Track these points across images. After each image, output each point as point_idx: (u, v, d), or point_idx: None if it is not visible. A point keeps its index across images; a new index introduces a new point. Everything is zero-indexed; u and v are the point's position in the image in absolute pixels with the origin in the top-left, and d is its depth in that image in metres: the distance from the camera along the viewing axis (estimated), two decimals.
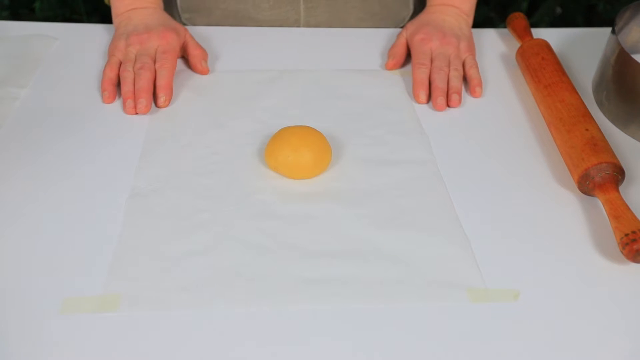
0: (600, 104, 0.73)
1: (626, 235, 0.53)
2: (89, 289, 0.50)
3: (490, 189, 0.62)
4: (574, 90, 0.69)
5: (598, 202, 0.60)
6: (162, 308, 0.50)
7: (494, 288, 0.52)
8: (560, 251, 0.56)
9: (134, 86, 0.69)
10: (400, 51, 0.78)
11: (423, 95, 0.72)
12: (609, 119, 0.71)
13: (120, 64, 0.72)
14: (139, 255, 0.53)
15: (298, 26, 0.86)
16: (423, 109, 0.72)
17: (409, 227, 0.57)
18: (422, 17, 0.81)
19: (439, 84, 0.72)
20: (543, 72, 0.72)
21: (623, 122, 0.70)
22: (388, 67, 0.78)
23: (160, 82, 0.69)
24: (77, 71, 0.74)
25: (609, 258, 0.56)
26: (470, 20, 0.82)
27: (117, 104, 0.70)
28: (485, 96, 0.75)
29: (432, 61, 0.75)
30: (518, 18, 0.83)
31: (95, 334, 0.48)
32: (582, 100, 0.68)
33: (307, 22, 0.86)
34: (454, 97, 0.71)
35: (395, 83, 0.76)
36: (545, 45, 0.76)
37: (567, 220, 0.59)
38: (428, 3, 0.83)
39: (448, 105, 0.72)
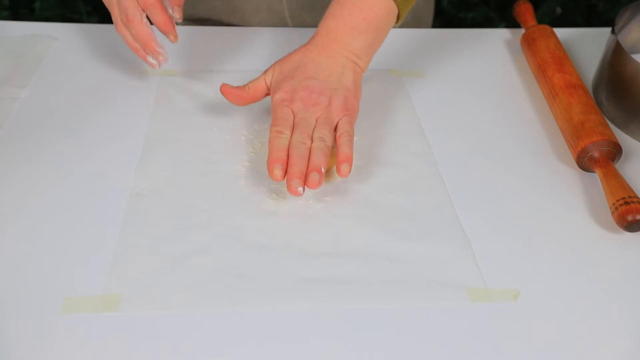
0: (600, 104, 0.73)
1: (617, 200, 0.57)
2: (89, 289, 0.50)
3: (490, 189, 0.62)
4: (574, 69, 0.72)
5: (603, 203, 0.60)
6: (162, 308, 0.50)
7: (494, 288, 0.52)
8: (561, 251, 0.56)
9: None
10: (256, 95, 0.64)
11: (278, 171, 0.56)
12: (608, 119, 0.71)
13: None
14: (139, 255, 0.53)
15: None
16: (423, 109, 0.72)
17: (408, 227, 0.57)
18: (294, 57, 0.63)
19: (296, 162, 0.56)
20: (547, 51, 0.75)
21: (623, 122, 0.70)
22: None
23: None
24: (77, 71, 0.74)
25: (610, 258, 0.56)
26: (363, 64, 0.64)
27: (114, 102, 0.70)
28: (484, 97, 0.74)
29: (293, 128, 0.59)
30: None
31: (95, 334, 0.48)
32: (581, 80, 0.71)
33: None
34: (312, 177, 0.55)
35: (395, 83, 0.76)
36: (550, 30, 0.78)
37: (568, 220, 0.59)
38: (316, 31, 0.65)
39: (307, 186, 0.56)
